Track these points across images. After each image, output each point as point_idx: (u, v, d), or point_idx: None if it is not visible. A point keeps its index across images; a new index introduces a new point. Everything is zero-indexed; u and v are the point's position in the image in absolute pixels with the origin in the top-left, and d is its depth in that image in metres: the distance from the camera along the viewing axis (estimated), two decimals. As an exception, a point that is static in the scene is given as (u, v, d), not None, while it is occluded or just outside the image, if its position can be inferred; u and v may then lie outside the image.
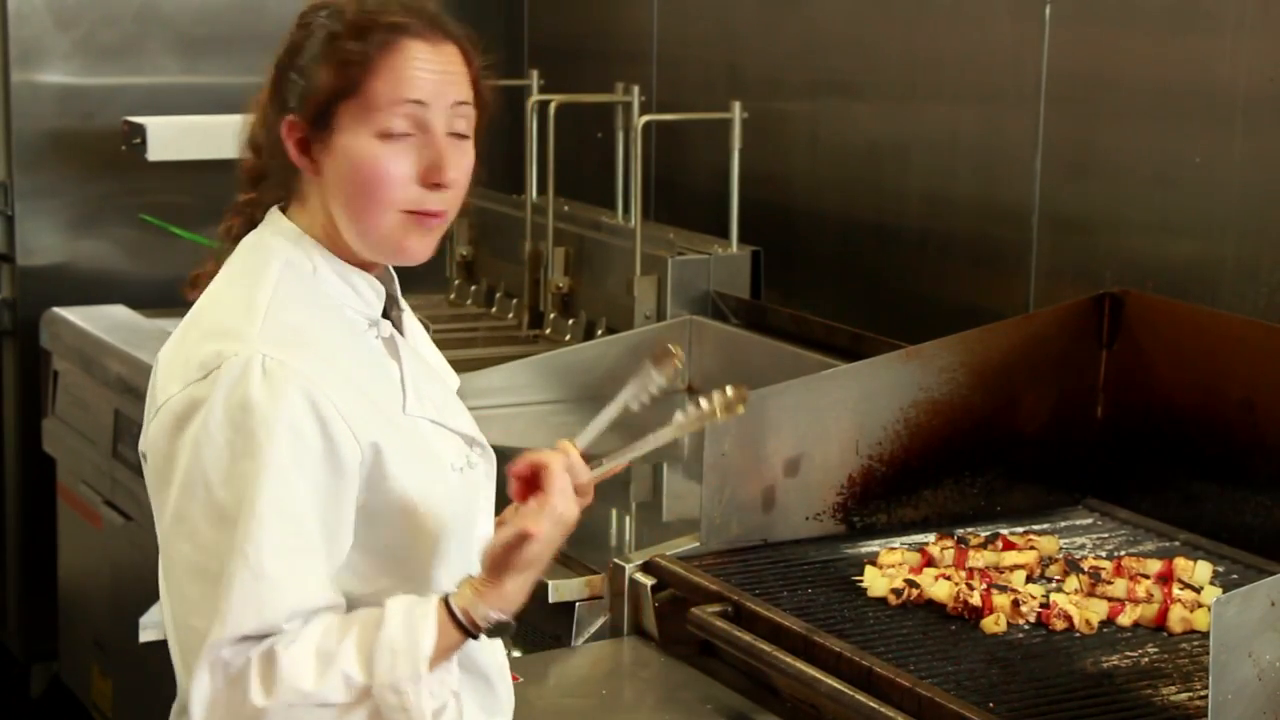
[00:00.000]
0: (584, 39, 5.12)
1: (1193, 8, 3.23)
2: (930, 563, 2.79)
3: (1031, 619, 2.60)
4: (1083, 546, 2.95)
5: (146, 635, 3.61)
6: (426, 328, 2.33)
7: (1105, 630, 2.60)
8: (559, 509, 2.01)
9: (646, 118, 4.28)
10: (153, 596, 3.73)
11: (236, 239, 2.15)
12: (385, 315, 2.16)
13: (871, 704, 2.35)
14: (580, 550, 2.98)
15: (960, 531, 2.92)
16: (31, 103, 4.94)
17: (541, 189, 4.47)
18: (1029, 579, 2.75)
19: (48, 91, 4.95)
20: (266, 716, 1.93)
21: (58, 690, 5.02)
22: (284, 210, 2.12)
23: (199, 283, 2.15)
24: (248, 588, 1.93)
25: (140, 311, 4.69)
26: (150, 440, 2.04)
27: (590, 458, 2.15)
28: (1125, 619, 2.62)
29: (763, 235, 4.21)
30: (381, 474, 2.03)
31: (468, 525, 2.16)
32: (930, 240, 3.86)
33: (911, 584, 2.67)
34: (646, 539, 3.00)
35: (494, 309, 4.72)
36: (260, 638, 1.95)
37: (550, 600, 2.84)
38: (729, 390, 2.19)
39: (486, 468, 2.20)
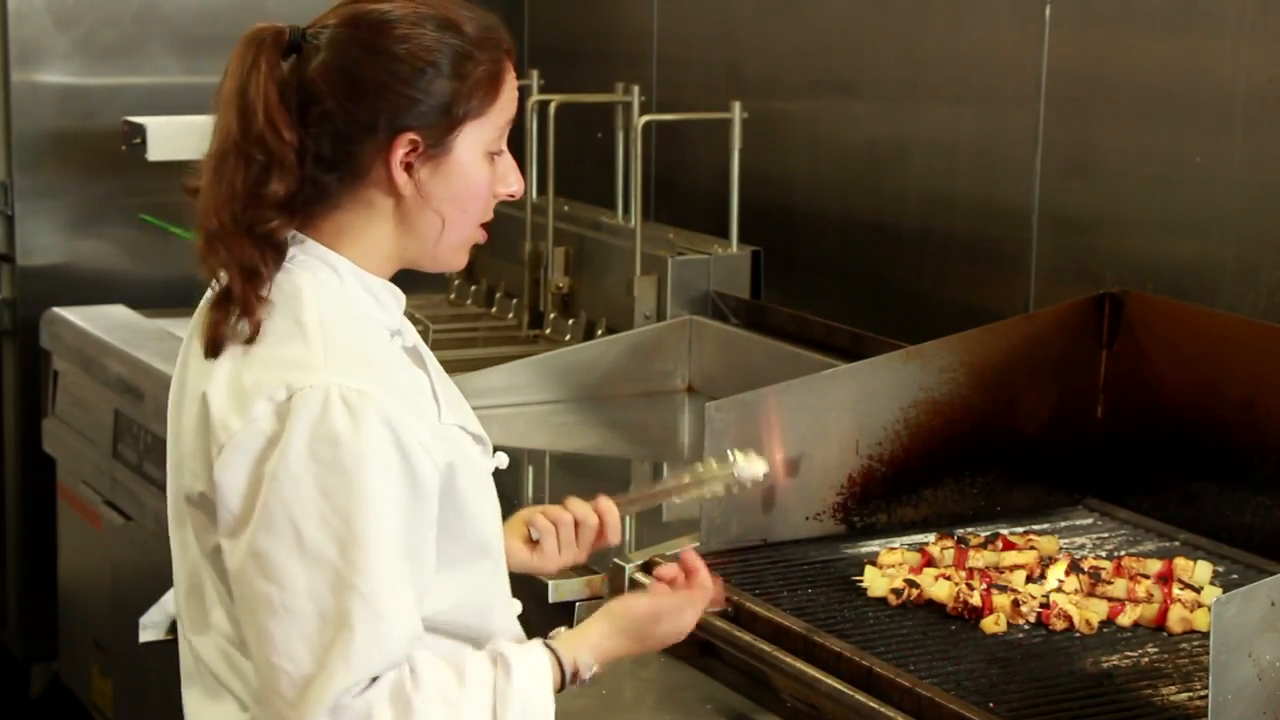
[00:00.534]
0: (584, 39, 5.12)
1: (1193, 8, 3.23)
2: (930, 563, 2.79)
3: (1031, 619, 2.60)
4: (1083, 546, 2.95)
5: (146, 635, 3.61)
6: (425, 332, 2.33)
7: (1105, 630, 2.60)
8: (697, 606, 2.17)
9: (646, 118, 4.28)
10: (153, 596, 3.75)
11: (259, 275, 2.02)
12: None
13: (871, 704, 2.35)
14: (580, 550, 2.98)
15: (960, 531, 2.92)
16: (31, 103, 4.94)
17: (541, 189, 4.47)
18: (1029, 579, 2.74)
19: (48, 91, 4.95)
20: None
21: (58, 690, 5.02)
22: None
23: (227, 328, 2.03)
24: (369, 628, 1.91)
25: (140, 311, 4.68)
26: (216, 480, 1.97)
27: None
28: (1125, 619, 2.62)
29: (763, 235, 4.21)
30: (454, 491, 2.02)
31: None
32: (930, 240, 3.86)
33: (911, 584, 2.67)
34: (646, 539, 3.00)
35: (494, 309, 4.72)
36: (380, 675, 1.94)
37: (550, 600, 2.84)
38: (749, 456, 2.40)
39: (494, 466, 2.21)
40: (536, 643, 2.05)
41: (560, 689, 2.03)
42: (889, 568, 2.78)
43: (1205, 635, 2.35)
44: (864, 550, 2.89)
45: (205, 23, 5.02)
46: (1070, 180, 3.50)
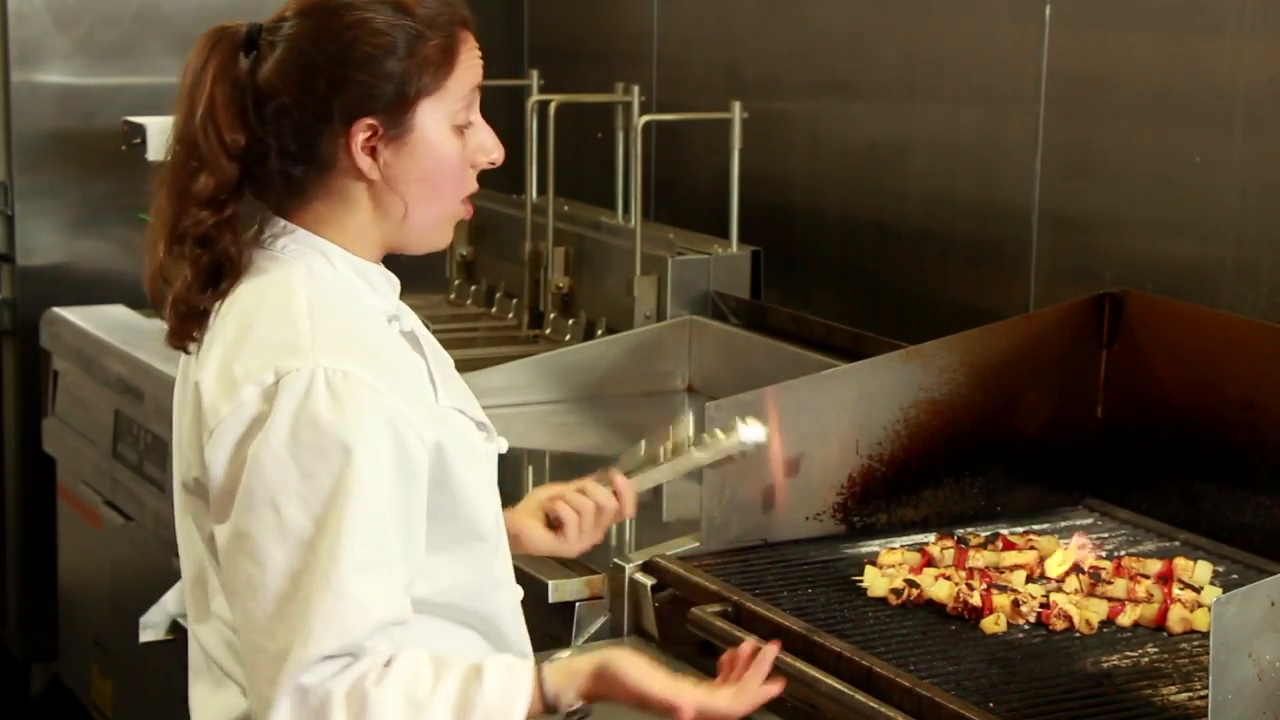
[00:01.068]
0: (584, 39, 5.12)
1: (1193, 8, 3.23)
2: (930, 563, 2.79)
3: (1031, 619, 2.60)
4: (1082, 547, 2.95)
5: (146, 635, 3.61)
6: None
7: (1105, 630, 2.60)
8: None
9: (646, 118, 4.28)
10: (153, 596, 3.74)
11: (222, 269, 2.05)
12: None
13: (871, 704, 2.35)
14: (580, 550, 2.98)
15: (960, 531, 2.92)
16: (31, 103, 4.94)
17: (541, 189, 4.47)
18: (1029, 579, 2.74)
19: (48, 91, 4.95)
20: None
21: (58, 690, 5.02)
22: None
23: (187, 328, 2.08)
24: (329, 607, 1.91)
25: (140, 311, 4.68)
26: (206, 463, 1.99)
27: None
28: (1125, 619, 2.62)
29: (763, 235, 4.21)
30: (444, 472, 2.03)
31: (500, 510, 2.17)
32: (930, 240, 3.86)
33: (911, 584, 2.67)
34: (646, 539, 3.00)
35: (494, 309, 4.72)
36: (338, 658, 1.92)
37: (550, 600, 2.84)
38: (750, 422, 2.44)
39: (495, 451, 2.21)
40: (526, 663, 2.02)
41: (543, 711, 2.01)
42: (889, 568, 2.78)
43: (1205, 635, 2.35)
44: (864, 550, 2.89)
45: (205, 23, 4.89)
46: (1070, 180, 3.50)
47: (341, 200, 2.07)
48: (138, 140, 4.69)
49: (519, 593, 2.22)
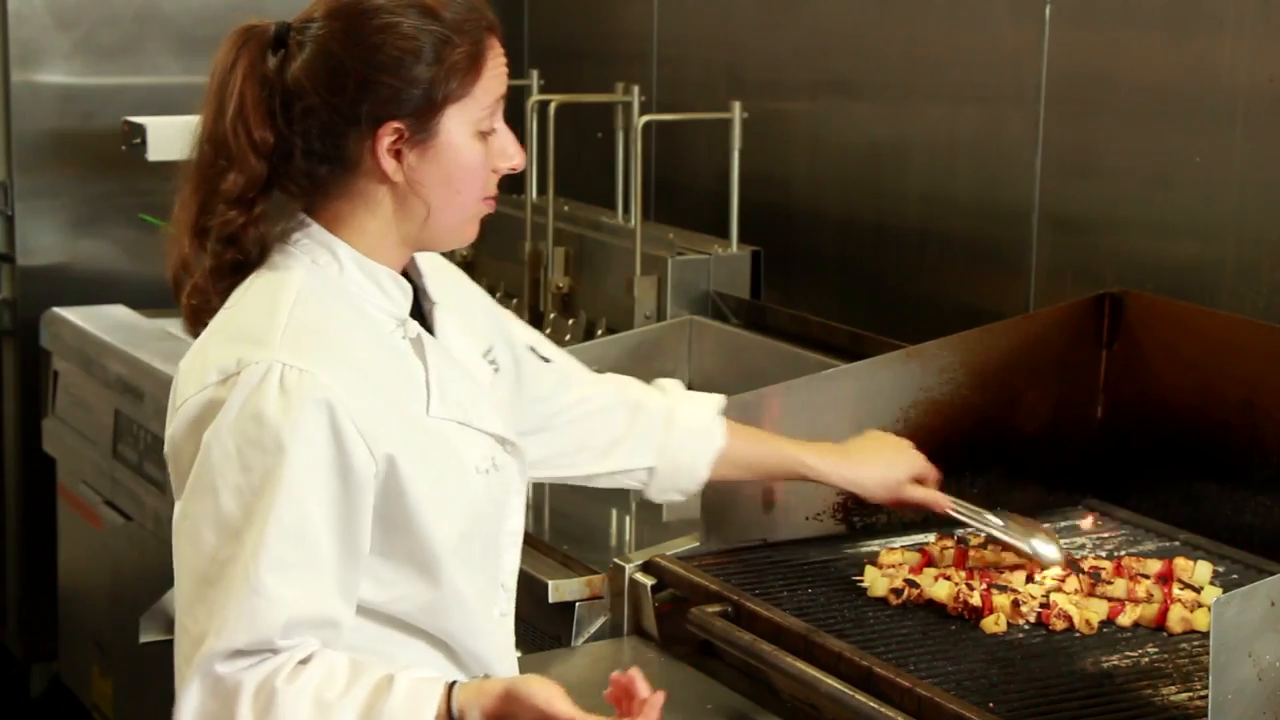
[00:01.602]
0: (584, 39, 5.12)
1: (1193, 8, 3.23)
2: (930, 563, 2.79)
3: (1031, 619, 2.60)
4: (1083, 546, 2.95)
5: (146, 635, 3.62)
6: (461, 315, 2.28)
7: (1105, 630, 2.60)
8: None
9: (646, 118, 4.28)
10: (153, 596, 3.74)
11: (241, 266, 2.09)
12: (416, 313, 2.15)
13: (871, 704, 2.35)
14: (580, 550, 2.98)
15: (960, 531, 2.92)
16: (31, 103, 4.94)
17: (541, 189, 4.47)
18: (1029, 579, 2.74)
19: (48, 91, 4.96)
20: None
21: (58, 690, 5.02)
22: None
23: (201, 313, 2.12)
24: (243, 603, 1.93)
25: (140, 311, 4.68)
26: (167, 440, 2.05)
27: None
28: (1125, 619, 2.62)
29: (763, 235, 4.21)
30: (397, 485, 2.03)
31: (495, 527, 2.16)
32: (930, 240, 3.86)
33: (911, 584, 2.67)
34: (647, 539, 3.00)
35: (494, 309, 4.71)
36: (253, 653, 1.94)
37: (550, 600, 2.84)
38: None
39: (518, 466, 2.20)
40: (438, 677, 2.00)
41: None
42: (889, 568, 2.78)
43: (1205, 635, 2.35)
44: (864, 550, 2.89)
45: (205, 23, 5.02)
46: (1070, 180, 3.50)
47: (364, 201, 2.08)
48: (138, 140, 4.69)
49: (506, 610, 2.21)
